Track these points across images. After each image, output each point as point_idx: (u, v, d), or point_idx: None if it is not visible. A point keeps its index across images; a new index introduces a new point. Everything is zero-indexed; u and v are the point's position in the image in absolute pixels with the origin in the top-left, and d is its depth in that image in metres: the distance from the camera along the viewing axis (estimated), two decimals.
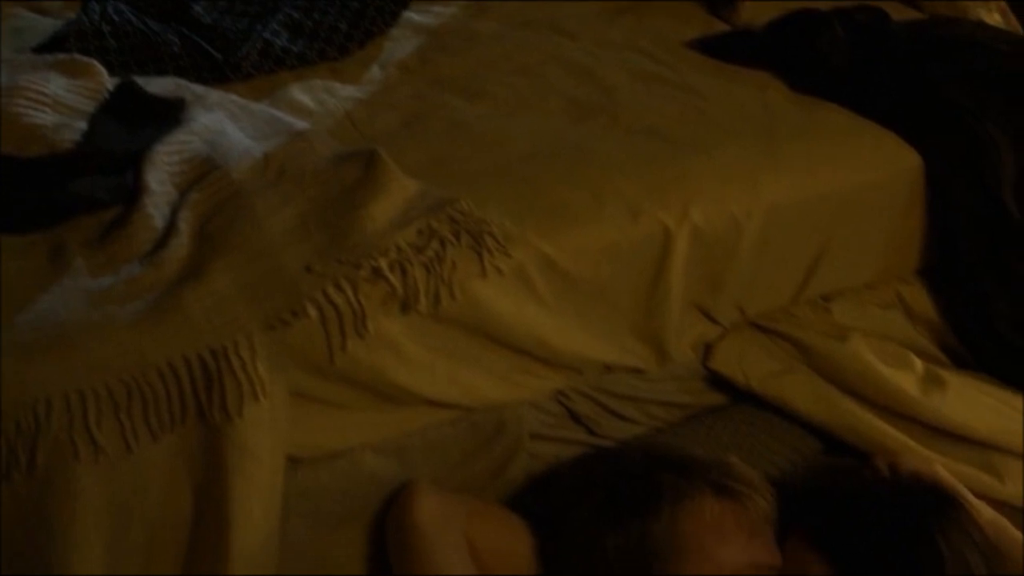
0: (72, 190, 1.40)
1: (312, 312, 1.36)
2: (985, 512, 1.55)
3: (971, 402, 1.72)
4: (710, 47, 1.97)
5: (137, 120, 1.55)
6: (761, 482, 1.50)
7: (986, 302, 1.78)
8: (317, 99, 1.75)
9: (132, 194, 1.44)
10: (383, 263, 1.40)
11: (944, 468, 1.62)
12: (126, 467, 1.31)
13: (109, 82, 1.65)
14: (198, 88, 1.69)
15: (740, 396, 1.72)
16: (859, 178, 1.67)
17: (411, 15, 2.07)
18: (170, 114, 1.56)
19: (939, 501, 1.50)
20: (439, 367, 1.48)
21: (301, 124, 1.62)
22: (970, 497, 1.55)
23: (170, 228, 1.41)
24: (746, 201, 1.60)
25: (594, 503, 1.49)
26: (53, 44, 1.82)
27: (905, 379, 1.70)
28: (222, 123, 1.58)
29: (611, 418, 1.65)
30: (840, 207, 1.67)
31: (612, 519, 1.46)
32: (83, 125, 1.53)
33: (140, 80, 1.66)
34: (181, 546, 1.38)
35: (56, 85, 1.57)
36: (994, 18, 2.29)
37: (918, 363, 1.73)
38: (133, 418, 1.30)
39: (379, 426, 1.50)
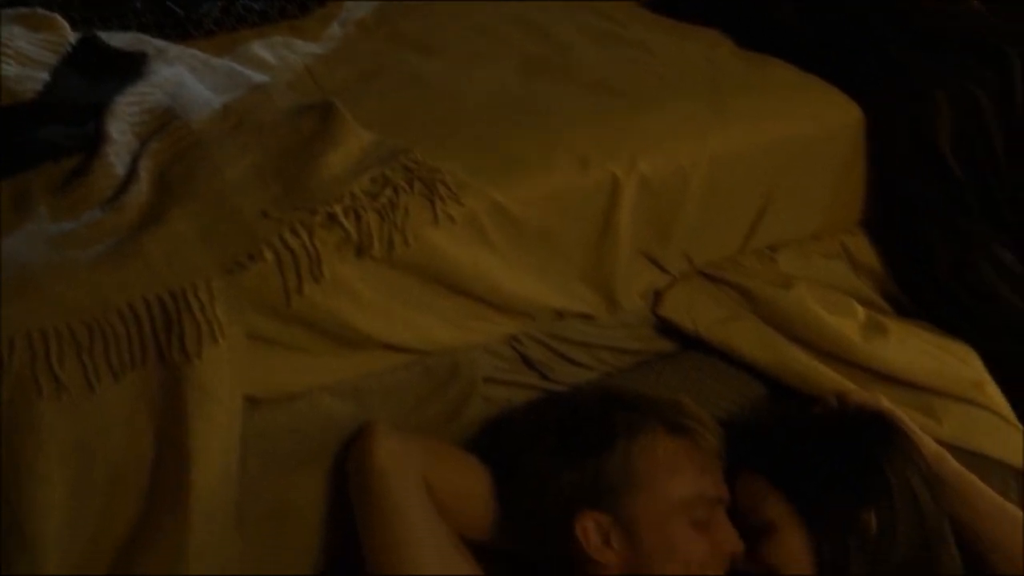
0: (36, 138, 1.43)
1: (268, 256, 1.40)
2: (928, 444, 1.60)
3: (911, 348, 1.77)
4: (662, 5, 2.01)
5: (99, 73, 1.58)
6: (711, 421, 1.55)
7: (928, 253, 1.83)
8: (277, 55, 1.79)
9: (94, 143, 1.47)
10: (338, 209, 1.43)
11: None
12: (88, 405, 1.35)
13: (72, 36, 1.67)
14: (160, 43, 1.72)
15: (689, 343, 1.76)
16: (802, 131, 1.71)
17: None
18: (132, 67, 1.59)
19: (885, 432, 1.56)
20: (394, 311, 1.52)
21: (260, 78, 1.66)
22: (914, 429, 1.61)
23: (131, 176, 1.44)
24: (692, 152, 1.64)
25: (550, 441, 1.53)
26: None
27: (847, 326, 1.74)
28: (183, 76, 1.62)
29: (563, 363, 1.69)
30: (784, 159, 1.71)
31: (568, 456, 1.51)
32: (46, 77, 1.56)
33: (102, 35, 1.69)
34: (142, 484, 1.41)
35: (19, 38, 1.60)
36: None
37: (860, 311, 1.78)
38: (95, 357, 1.34)
39: (336, 369, 1.53)
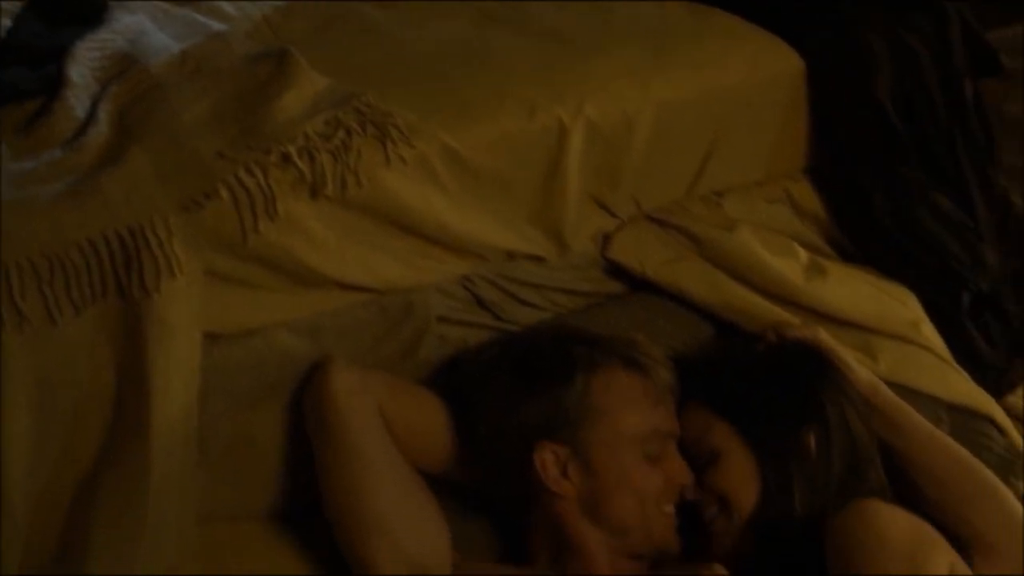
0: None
1: (224, 194, 1.44)
2: (862, 374, 1.66)
3: (851, 289, 1.83)
4: None
5: (60, 20, 1.61)
6: (664, 357, 1.60)
7: (867, 199, 1.88)
8: (237, 5, 1.82)
9: (55, 87, 1.50)
10: (292, 149, 1.47)
11: None
12: (50, 338, 1.38)
13: None
14: None
15: (637, 285, 1.80)
16: (745, 79, 1.76)
17: None
18: (92, 14, 1.62)
19: (821, 362, 1.62)
20: (348, 251, 1.56)
21: (219, 27, 1.69)
22: (848, 361, 1.66)
23: (90, 118, 1.48)
24: (638, 98, 1.68)
25: (509, 376, 1.57)
26: None
27: (789, 267, 1.80)
28: (143, 24, 1.65)
29: (515, 304, 1.73)
30: (727, 106, 1.76)
31: (527, 390, 1.55)
32: (7, 23, 1.59)
33: None
34: (104, 416, 1.45)
35: None
36: None
37: (802, 253, 1.83)
38: (56, 291, 1.37)
39: (292, 307, 1.57)
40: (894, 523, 1.44)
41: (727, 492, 1.54)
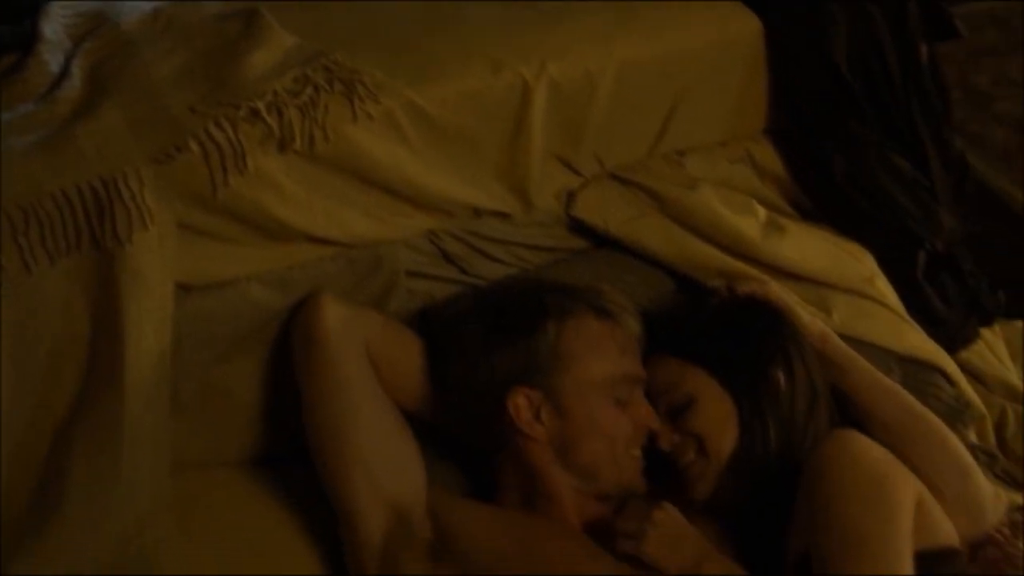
0: None
1: (195, 148, 1.47)
2: (813, 324, 1.70)
3: (807, 246, 1.86)
4: None
5: None
6: (631, 307, 1.64)
7: (826, 159, 1.92)
8: None
9: (28, 43, 1.53)
10: (260, 105, 1.50)
11: None
12: (26, 287, 1.42)
13: None
14: None
15: (601, 242, 1.84)
16: (704, 40, 1.80)
17: None
18: None
19: (774, 315, 1.66)
20: (316, 205, 1.59)
21: None
22: (798, 310, 1.70)
23: (64, 73, 1.50)
24: (600, 58, 1.71)
25: (484, 323, 1.60)
26: None
27: (748, 224, 1.83)
28: None
29: (481, 259, 1.76)
30: (688, 67, 1.79)
31: (501, 336, 1.58)
32: None
33: None
34: (80, 363, 1.48)
35: None
36: None
37: (761, 211, 1.87)
38: (31, 241, 1.40)
39: (263, 259, 1.60)
40: (870, 449, 1.49)
41: (705, 434, 1.57)
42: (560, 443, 1.56)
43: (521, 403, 1.55)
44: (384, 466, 1.58)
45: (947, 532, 1.49)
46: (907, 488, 1.46)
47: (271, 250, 1.60)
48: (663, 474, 1.60)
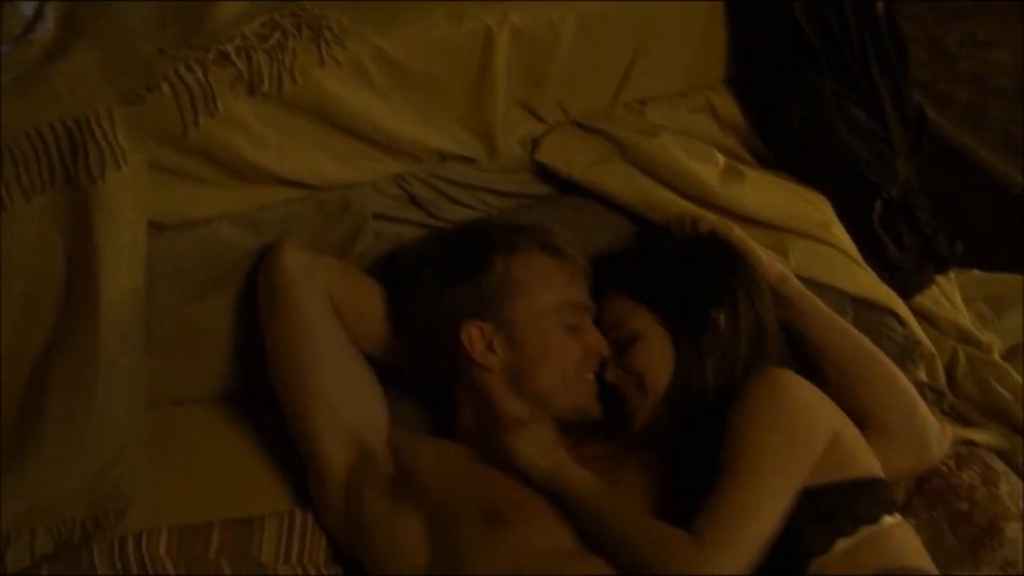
0: None
1: (165, 89, 1.50)
2: (771, 264, 1.73)
3: (765, 192, 1.90)
4: None
5: None
6: (576, 243, 1.69)
7: (784, 109, 1.96)
8: None
9: None
10: (230, 48, 1.53)
11: None
12: (3, 224, 1.45)
13: None
14: None
15: (564, 187, 1.87)
16: None
17: None
18: None
19: (730, 251, 1.70)
20: (286, 147, 1.62)
21: None
22: (758, 251, 1.73)
23: (38, 16, 1.53)
24: (561, 7, 1.75)
25: (438, 261, 1.66)
26: None
27: (707, 171, 1.87)
28: None
29: (448, 203, 1.80)
30: (649, 17, 1.82)
31: (453, 272, 1.63)
32: None
33: None
34: (56, 298, 1.52)
35: None
36: None
37: (720, 158, 1.90)
38: (6, 178, 1.43)
39: (234, 200, 1.63)
40: (797, 385, 1.53)
41: (644, 370, 1.61)
42: (513, 371, 1.60)
43: (474, 335, 1.60)
44: (346, 405, 1.63)
45: (865, 465, 1.52)
46: (819, 424, 1.50)
47: (242, 191, 1.64)
48: (610, 404, 1.64)
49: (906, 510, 1.74)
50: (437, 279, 1.64)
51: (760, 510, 1.43)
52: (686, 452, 1.60)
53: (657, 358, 1.62)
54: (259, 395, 1.72)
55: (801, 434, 1.48)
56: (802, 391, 1.53)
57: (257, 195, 1.65)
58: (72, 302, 1.52)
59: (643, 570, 1.43)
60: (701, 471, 1.52)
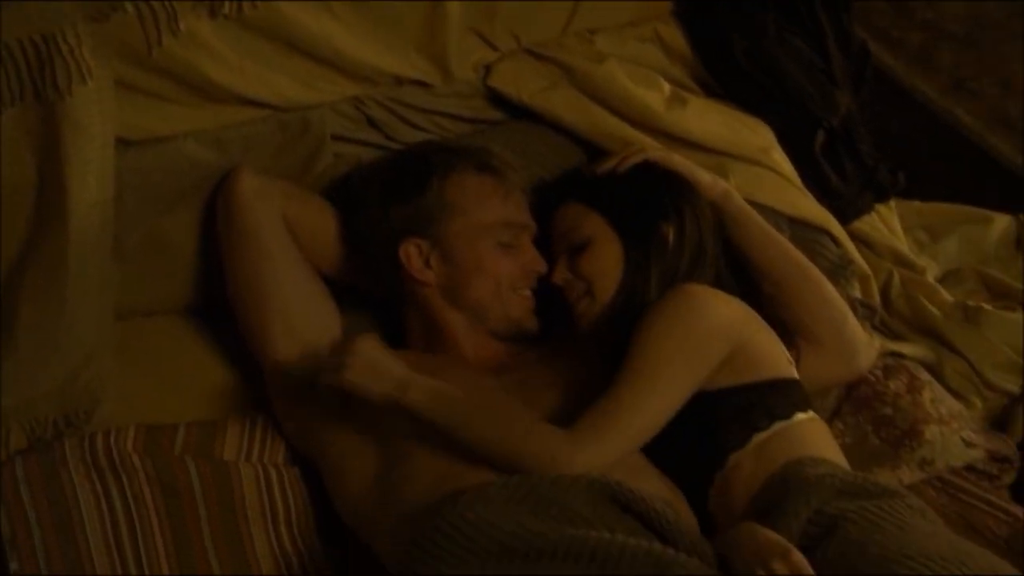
0: None
1: (129, 8, 1.54)
2: (715, 183, 1.78)
3: (708, 118, 1.97)
4: None
5: None
6: (515, 162, 1.75)
7: (728, 39, 2.02)
8: None
9: None
10: None
11: None
12: None
13: None
14: None
15: (517, 114, 1.94)
16: None
17: None
18: None
19: (673, 176, 1.76)
20: (248, 68, 1.68)
21: None
22: (700, 172, 1.78)
23: None
24: None
25: (379, 184, 1.72)
26: None
27: (652, 97, 1.93)
28: None
29: (404, 126, 1.86)
30: None
31: (393, 194, 1.69)
32: None
33: None
34: (28, 209, 1.56)
35: None
36: None
37: (665, 85, 1.97)
38: None
39: (198, 118, 1.69)
40: (712, 302, 1.59)
41: (594, 276, 1.67)
42: (449, 286, 1.68)
43: (412, 252, 1.67)
44: (300, 317, 1.70)
45: (780, 368, 1.59)
46: (719, 333, 1.55)
47: (205, 110, 1.69)
48: (557, 307, 1.71)
49: (835, 416, 1.83)
50: (380, 199, 1.70)
51: (636, 409, 1.49)
52: (616, 350, 1.64)
53: (607, 265, 1.67)
54: (225, 308, 1.78)
55: (694, 342, 1.53)
56: (706, 303, 1.58)
57: (220, 114, 1.71)
58: (43, 213, 1.57)
59: (513, 466, 1.45)
60: None
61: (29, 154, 1.55)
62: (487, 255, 1.68)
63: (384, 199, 1.70)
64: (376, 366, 1.51)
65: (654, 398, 1.50)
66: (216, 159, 1.73)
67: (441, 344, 1.71)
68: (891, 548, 1.32)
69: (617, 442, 1.47)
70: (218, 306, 1.80)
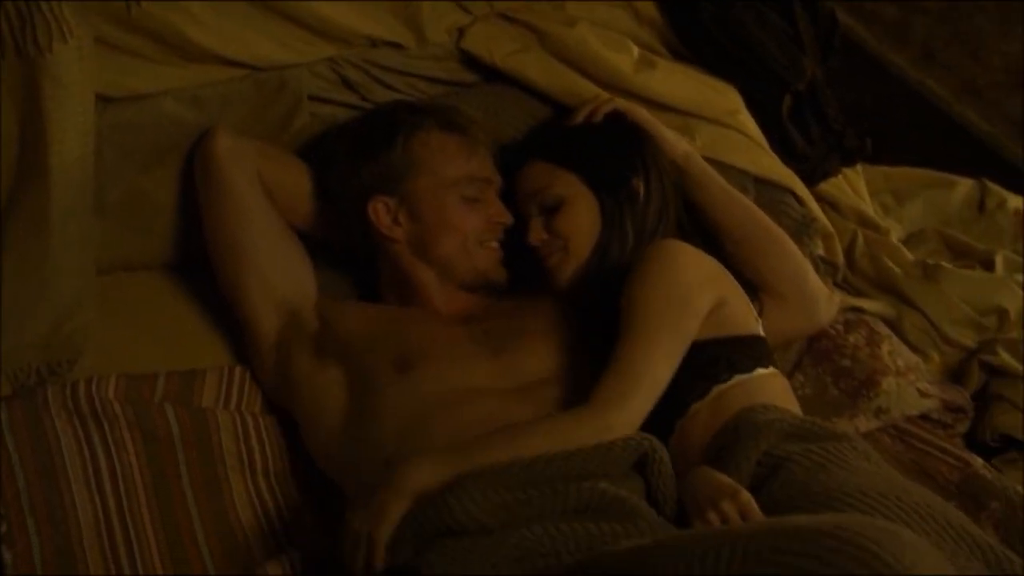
0: None
1: None
2: (678, 143, 1.83)
3: (676, 81, 1.99)
4: None
5: None
6: (482, 120, 1.78)
7: (696, 4, 2.06)
8: None
9: None
10: None
11: None
12: None
13: None
14: None
15: (489, 76, 1.97)
16: None
17: None
18: None
19: (638, 131, 1.80)
20: (226, 27, 1.72)
21: None
22: (665, 131, 1.83)
23: None
24: None
25: (348, 144, 1.76)
26: None
27: (622, 60, 1.96)
28: None
29: (379, 87, 1.89)
30: None
31: (362, 152, 1.73)
32: None
33: None
34: (11, 163, 1.59)
35: None
36: None
37: (634, 48, 2.00)
38: None
39: (176, 76, 1.73)
40: (689, 254, 1.63)
41: (570, 234, 1.71)
42: (417, 242, 1.72)
43: (380, 209, 1.71)
44: (276, 272, 1.74)
45: (747, 325, 1.63)
46: (704, 287, 1.60)
47: (184, 68, 1.73)
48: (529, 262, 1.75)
49: (797, 368, 1.87)
50: (348, 159, 1.74)
51: (649, 370, 1.52)
52: (599, 310, 1.69)
53: (584, 222, 1.71)
54: (204, 264, 1.82)
55: (685, 296, 1.57)
56: (688, 258, 1.63)
57: (198, 73, 1.75)
58: (25, 167, 1.60)
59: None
60: (602, 320, 1.64)
61: (12, 109, 1.58)
62: (453, 210, 1.71)
63: (353, 158, 1.74)
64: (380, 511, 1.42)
65: (662, 357, 1.53)
66: (194, 117, 1.76)
67: (412, 297, 1.75)
68: (832, 486, 1.37)
69: (640, 399, 1.50)
70: (198, 262, 1.83)
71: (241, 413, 1.72)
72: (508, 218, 1.74)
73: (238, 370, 1.76)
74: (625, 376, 1.51)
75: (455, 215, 1.71)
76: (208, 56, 1.73)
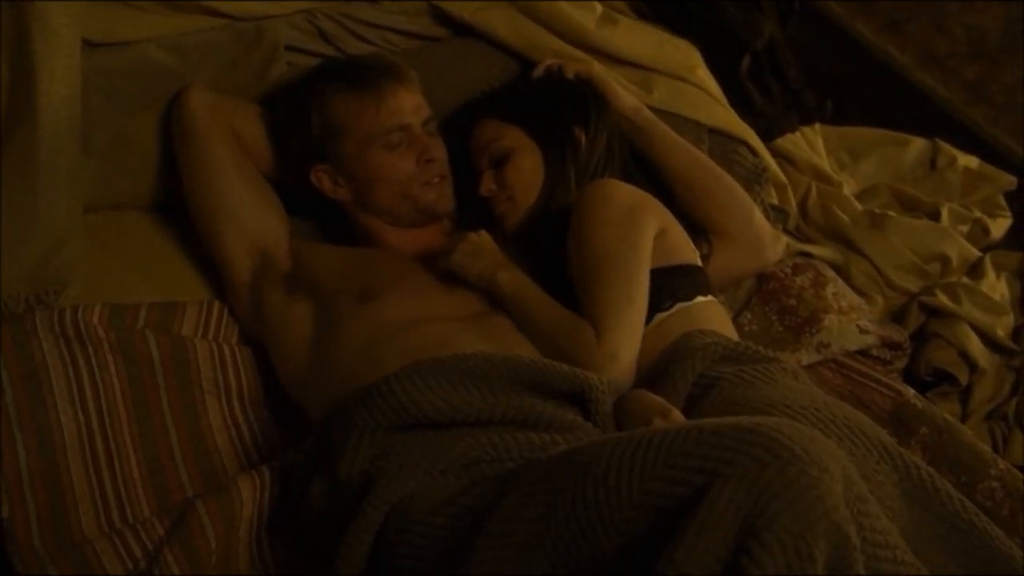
0: None
1: None
2: (627, 98, 1.89)
3: (636, 38, 2.06)
4: None
5: None
6: (402, 65, 1.82)
7: None
8: None
9: None
10: None
11: None
12: None
13: None
14: None
15: (459, 31, 2.02)
16: None
17: None
18: None
19: (584, 85, 1.86)
20: None
21: None
22: (615, 86, 1.89)
23: None
24: None
25: (276, 123, 1.82)
26: None
27: (584, 16, 2.02)
28: None
29: (354, 40, 1.95)
30: None
31: (287, 131, 1.80)
32: None
33: None
34: (2, 103, 1.66)
35: None
36: None
37: (598, 6, 2.06)
38: None
39: (160, 24, 1.79)
40: (621, 189, 1.70)
41: (515, 182, 1.78)
42: (360, 198, 1.79)
43: (321, 177, 1.79)
44: (249, 216, 1.80)
45: (686, 255, 1.71)
46: (650, 218, 1.67)
47: (167, 16, 1.80)
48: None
49: (745, 307, 1.93)
50: (279, 136, 1.82)
51: (632, 299, 1.59)
52: (545, 253, 1.77)
53: (529, 171, 1.78)
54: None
55: (634, 226, 1.64)
56: (623, 190, 1.70)
57: (181, 21, 1.81)
58: (15, 106, 1.64)
59: (558, 354, 1.57)
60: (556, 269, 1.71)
61: (2, 54, 1.64)
62: (379, 162, 1.76)
63: (281, 136, 1.82)
64: (477, 252, 1.66)
65: (636, 285, 1.59)
66: (176, 64, 1.82)
67: (374, 242, 1.82)
68: (758, 399, 1.43)
69: (633, 337, 1.57)
70: (183, 203, 1.89)
71: (219, 343, 1.78)
72: (435, 153, 1.78)
73: (217, 304, 1.82)
74: (604, 314, 1.57)
75: (383, 166, 1.76)
76: (191, 5, 1.79)
